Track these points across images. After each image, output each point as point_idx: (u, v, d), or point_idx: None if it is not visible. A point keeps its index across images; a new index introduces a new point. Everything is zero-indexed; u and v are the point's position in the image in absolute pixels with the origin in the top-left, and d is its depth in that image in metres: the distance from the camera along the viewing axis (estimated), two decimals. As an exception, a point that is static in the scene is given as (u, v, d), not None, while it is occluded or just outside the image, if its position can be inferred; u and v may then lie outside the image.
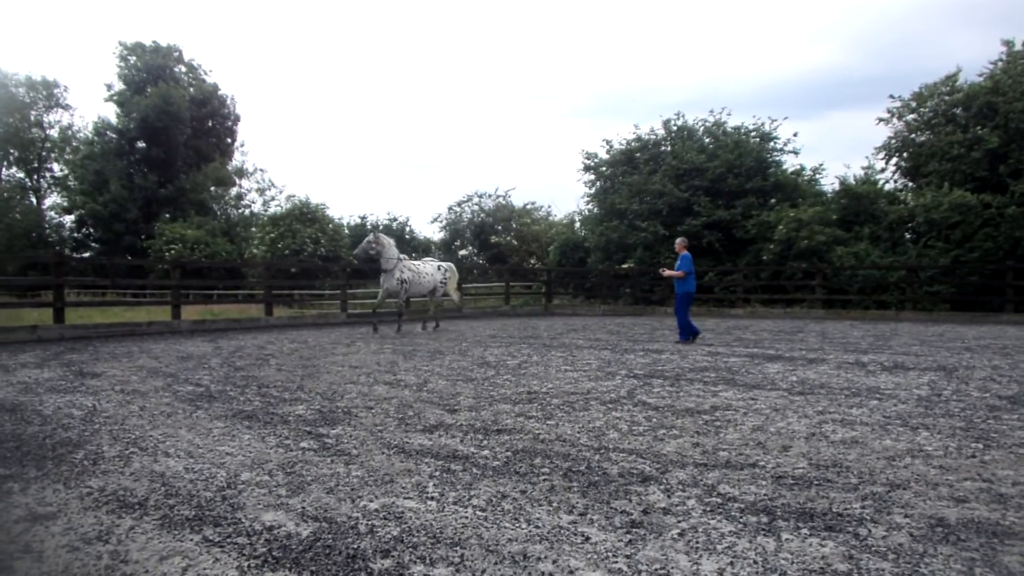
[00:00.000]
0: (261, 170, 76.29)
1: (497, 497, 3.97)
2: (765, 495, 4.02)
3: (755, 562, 3.08)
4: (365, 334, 15.81)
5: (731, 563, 3.07)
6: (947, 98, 26.12)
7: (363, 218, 42.72)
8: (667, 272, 14.16)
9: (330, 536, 3.37)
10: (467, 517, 3.65)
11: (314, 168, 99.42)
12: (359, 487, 4.16)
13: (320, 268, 31.09)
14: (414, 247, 42.85)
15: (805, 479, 4.33)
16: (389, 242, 16.27)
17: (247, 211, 57.91)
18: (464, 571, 2.99)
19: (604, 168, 32.27)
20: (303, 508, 3.77)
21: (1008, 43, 25.88)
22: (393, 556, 3.14)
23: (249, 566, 3.03)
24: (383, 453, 4.96)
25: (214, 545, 3.27)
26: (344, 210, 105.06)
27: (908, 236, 24.92)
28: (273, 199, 59.17)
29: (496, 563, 3.07)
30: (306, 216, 38.36)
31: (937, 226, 23.23)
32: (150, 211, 52.00)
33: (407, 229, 42.79)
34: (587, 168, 32.72)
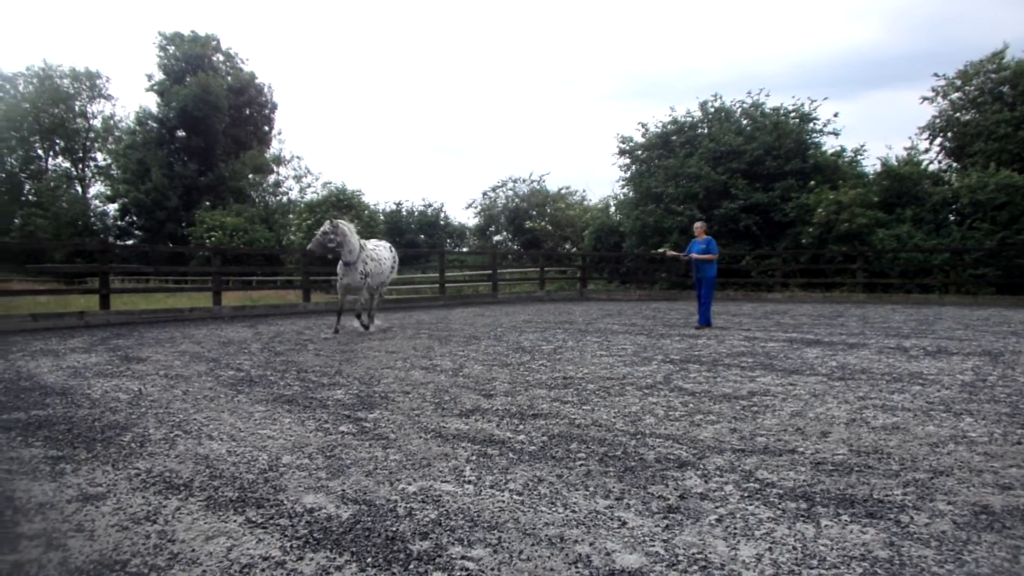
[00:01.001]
0: (298, 157, 77.12)
1: (534, 481, 4.00)
2: (804, 481, 3.98)
3: (794, 548, 3.06)
4: (401, 319, 15.91)
5: (769, 549, 3.05)
6: (993, 76, 25.37)
7: (398, 204, 42.89)
8: (696, 256, 13.47)
9: (369, 519, 3.43)
10: (504, 501, 3.68)
11: (350, 155, 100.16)
12: (397, 470, 4.21)
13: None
14: (449, 233, 42.97)
15: (845, 465, 4.28)
16: (350, 229, 12.68)
17: (284, 198, 58.57)
18: (501, 552, 3.02)
19: (639, 152, 31.97)
20: (343, 491, 3.84)
21: (1059, 17, 25.02)
22: (431, 538, 3.18)
23: (291, 547, 3.10)
24: (420, 437, 5.02)
25: (257, 526, 3.35)
26: (379, 196, 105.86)
27: (952, 218, 24.31)
28: (310, 186, 59.71)
29: (533, 545, 3.09)
30: (342, 203, 38.72)
31: (983, 207, 22.62)
32: (190, 199, 52.94)
33: (442, 215, 42.89)
34: (622, 152, 32.45)
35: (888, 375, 7.56)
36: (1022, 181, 22.24)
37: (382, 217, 41.45)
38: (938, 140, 27.37)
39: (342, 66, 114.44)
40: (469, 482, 3.99)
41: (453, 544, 3.12)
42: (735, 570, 2.85)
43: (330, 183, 43.18)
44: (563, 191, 42.81)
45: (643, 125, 31.97)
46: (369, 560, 2.96)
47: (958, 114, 26.57)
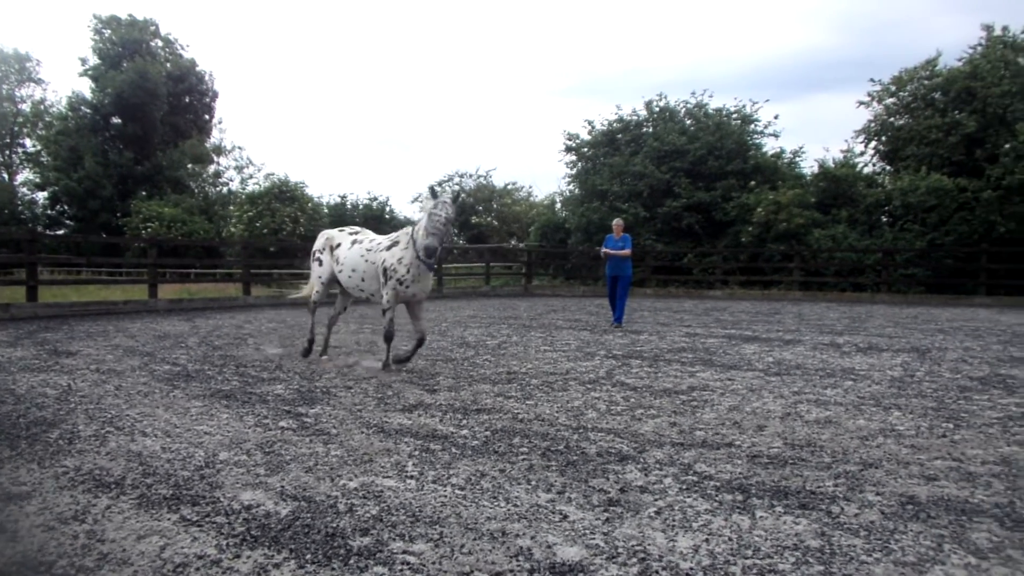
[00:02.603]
0: (239, 148, 75.21)
1: (476, 476, 4.00)
2: (740, 474, 4.07)
3: (730, 539, 3.13)
4: (344, 314, 15.67)
5: (706, 540, 3.12)
6: (926, 82, 26.31)
7: (343, 197, 42.38)
8: (612, 252, 12.89)
9: (309, 515, 3.38)
10: (446, 496, 3.67)
11: (293, 146, 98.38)
12: (338, 466, 4.16)
13: (300, 247, 30.89)
14: (394, 227, 42.62)
15: (780, 458, 4.40)
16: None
17: (225, 189, 57.18)
18: (443, 547, 3.01)
19: (586, 149, 32.23)
20: (282, 487, 3.77)
21: (988, 28, 26.11)
22: (372, 534, 3.15)
23: (228, 545, 3.03)
24: (362, 432, 4.97)
25: (192, 524, 3.26)
26: (324, 189, 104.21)
27: (885, 219, 25.18)
28: (251, 177, 58.39)
29: (475, 539, 3.09)
30: (285, 195, 38.00)
31: (914, 209, 23.49)
32: (126, 188, 51.17)
33: (387, 209, 42.50)
34: (569, 149, 32.66)
35: (822, 371, 7.80)
36: (951, 185, 23.17)
37: (326, 210, 40.88)
38: (873, 143, 28.27)
39: (287, 56, 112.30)
40: (411, 477, 3.97)
41: (394, 539, 3.10)
42: (673, 561, 2.90)
43: (273, 174, 42.18)
44: (510, 187, 42.95)
45: (589, 123, 32.26)
46: (308, 557, 2.92)
47: (892, 118, 27.49)
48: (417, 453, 4.46)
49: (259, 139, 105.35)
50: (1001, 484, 3.90)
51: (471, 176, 42.61)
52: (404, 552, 2.97)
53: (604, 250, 13.07)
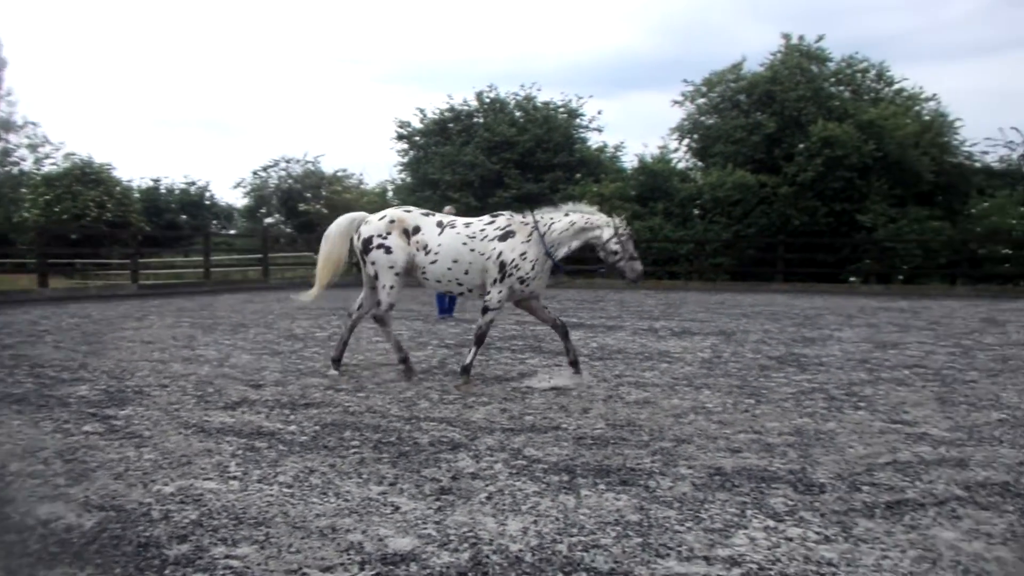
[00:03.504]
0: (33, 124, 67.36)
1: (304, 473, 3.88)
2: (567, 455, 4.25)
3: (557, 519, 3.26)
4: (160, 306, 14.63)
5: (535, 521, 3.22)
6: (732, 85, 28.49)
7: (156, 181, 39.32)
8: None
9: (119, 525, 3.13)
10: (272, 495, 3.53)
11: (99, 125, 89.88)
12: (152, 471, 3.89)
13: (106, 235, 28.37)
14: (215, 214, 40.27)
15: (603, 438, 4.63)
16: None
17: (15, 169, 51.25)
18: (269, 548, 2.91)
19: (417, 138, 32.03)
20: (87, 497, 3.46)
21: (786, 36, 28.64)
22: (191, 540, 2.98)
23: (19, 566, 2.74)
24: (180, 433, 4.67)
25: (-23, 545, 2.92)
26: (135, 172, 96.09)
27: (696, 212, 27.08)
28: (48, 157, 52.73)
29: (303, 538, 3.01)
30: (88, 177, 34.64)
31: (721, 203, 25.45)
32: None
33: (207, 194, 40.01)
34: (400, 137, 32.31)
35: (641, 354, 8.29)
36: (753, 181, 25.32)
37: (137, 195, 37.79)
38: (686, 141, 30.26)
39: (92, 28, 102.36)
40: (234, 478, 3.79)
41: (216, 544, 2.94)
42: (503, 544, 2.97)
43: (74, 155, 38.33)
44: (339, 174, 41.79)
45: (421, 111, 32.05)
46: (118, 571, 2.70)
47: (703, 118, 29.55)
48: (241, 452, 4.25)
49: (58, 115, 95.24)
50: (795, 453, 4.34)
51: (298, 162, 41.03)
52: (227, 557, 2.83)
53: None
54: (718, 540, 3.04)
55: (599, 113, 42.37)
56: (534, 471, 3.95)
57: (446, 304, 12.86)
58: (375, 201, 35.42)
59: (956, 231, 22.93)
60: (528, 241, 6.59)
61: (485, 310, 6.57)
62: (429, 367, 7.32)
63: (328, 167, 45.12)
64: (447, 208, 13.23)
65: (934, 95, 27.08)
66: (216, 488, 3.62)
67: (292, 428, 4.84)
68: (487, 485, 3.71)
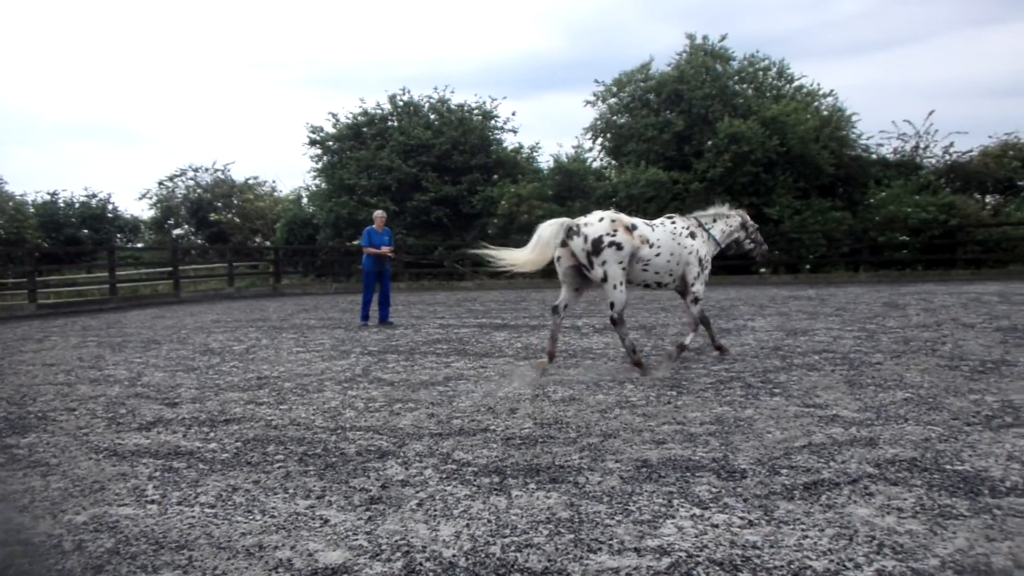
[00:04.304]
0: (-89, 137, 63.28)
1: (227, 491, 3.76)
2: (496, 457, 4.25)
3: (489, 521, 3.26)
4: (62, 326, 13.88)
5: (467, 525, 3.21)
6: (642, 84, 29.14)
7: (54, 194, 37.30)
8: (386, 252, 12.41)
9: (25, 561, 2.96)
10: (194, 516, 3.41)
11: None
12: (61, 500, 3.69)
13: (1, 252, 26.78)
14: (119, 227, 38.50)
15: (531, 438, 4.66)
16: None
17: None
18: (193, 572, 2.80)
19: (331, 143, 31.46)
20: (-11, 532, 3.26)
21: (691, 36, 29.49)
22: (107, 570, 2.84)
23: (-82, 610, 2.56)
24: (90, 459, 4.45)
25: None
26: (28, 186, 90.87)
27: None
28: (-71, 171, 49.42)
29: (229, 559, 2.91)
30: (-25, 191, 32.68)
31: (636, 200, 26.00)
32: None
33: (110, 207, 38.19)
34: (313, 142, 31.65)
35: (565, 352, 8.38)
36: (666, 178, 25.97)
37: (32, 209, 35.79)
38: (599, 140, 30.78)
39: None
40: (152, 501, 3.63)
41: (135, 572, 2.82)
42: (436, 551, 2.95)
43: (-41, 168, 36.10)
44: (251, 181, 40.64)
45: (334, 115, 31.47)
46: (27, 608, 2.55)
47: (615, 117, 30.13)
48: (158, 474, 4.09)
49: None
50: (716, 441, 4.48)
51: (207, 170, 39.67)
52: (147, 584, 2.71)
53: (383, 249, 12.34)
54: (647, 531, 3.10)
55: (513, 114, 42.78)
56: (464, 474, 3.94)
57: (367, 312, 12.67)
58: (290, 208, 34.61)
59: (857, 220, 24.14)
60: (706, 240, 7.75)
61: (695, 301, 7.63)
62: (353, 376, 7.21)
63: (239, 175, 43.88)
64: (377, 214, 12.90)
65: (832, 91, 28.48)
66: (133, 513, 3.47)
67: (212, 446, 4.68)
68: (417, 492, 3.68)
